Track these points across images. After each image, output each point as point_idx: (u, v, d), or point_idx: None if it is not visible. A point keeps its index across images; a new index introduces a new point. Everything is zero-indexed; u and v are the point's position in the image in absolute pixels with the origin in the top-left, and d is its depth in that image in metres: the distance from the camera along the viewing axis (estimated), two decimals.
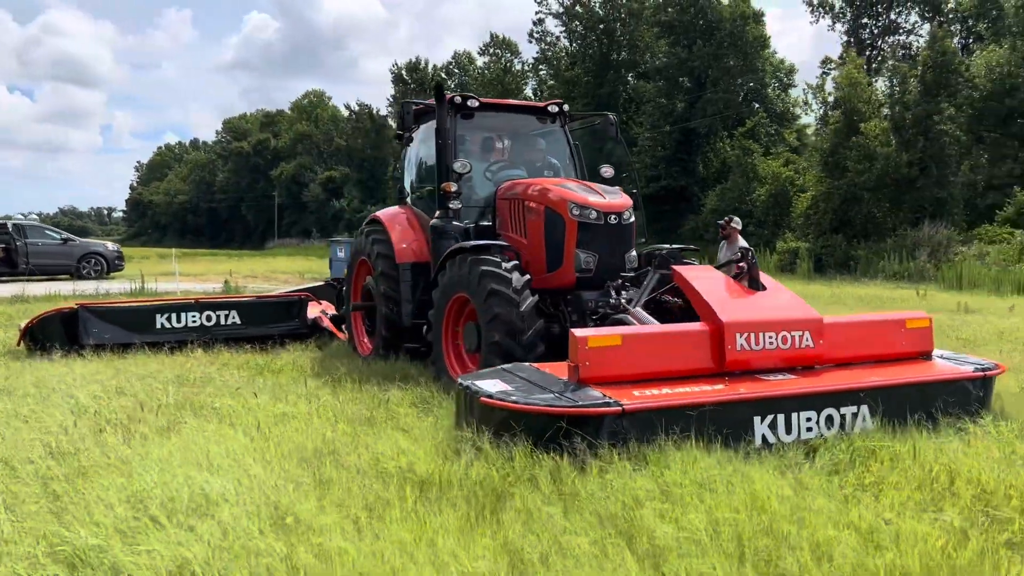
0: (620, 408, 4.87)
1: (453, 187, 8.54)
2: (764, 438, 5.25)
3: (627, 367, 5.41)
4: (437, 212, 8.72)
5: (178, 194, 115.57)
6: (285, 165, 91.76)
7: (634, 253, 7.97)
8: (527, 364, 5.94)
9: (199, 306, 10.57)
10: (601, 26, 49.57)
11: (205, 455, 4.56)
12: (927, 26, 47.09)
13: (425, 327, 9.11)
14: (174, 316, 10.39)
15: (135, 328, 10.18)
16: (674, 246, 8.03)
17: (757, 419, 5.26)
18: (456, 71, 69.16)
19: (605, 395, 5.05)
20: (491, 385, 5.40)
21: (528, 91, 60.76)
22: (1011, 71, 37.45)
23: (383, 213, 9.97)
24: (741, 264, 6.50)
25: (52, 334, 9.76)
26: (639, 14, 48.10)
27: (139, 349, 9.64)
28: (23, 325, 9.93)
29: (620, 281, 7.56)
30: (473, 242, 7.77)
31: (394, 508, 3.86)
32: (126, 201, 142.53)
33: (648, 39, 47.62)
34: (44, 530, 3.43)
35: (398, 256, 9.18)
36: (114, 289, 17.79)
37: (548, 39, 54.58)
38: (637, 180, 9.30)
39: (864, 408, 5.56)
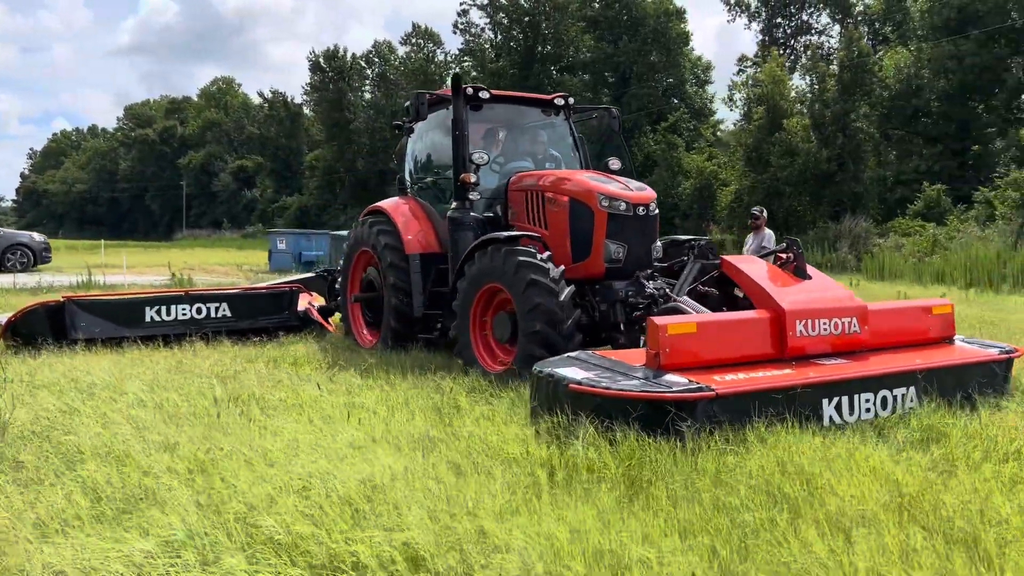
0: (713, 393, 5.07)
1: (473, 178, 8.60)
2: (831, 419, 5.55)
3: (700, 353, 5.63)
4: (454, 203, 8.75)
5: (76, 183, 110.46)
6: (193, 154, 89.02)
7: (659, 244, 8.21)
8: (590, 352, 6.08)
9: (189, 298, 10.29)
10: (527, 19, 49.86)
11: (327, 445, 4.54)
12: (837, 27, 49.30)
13: (440, 318, 9.18)
14: (164, 309, 10.08)
15: (124, 322, 9.83)
16: (699, 238, 8.33)
17: (825, 401, 5.56)
18: (376, 60, 68.30)
19: (691, 380, 5.25)
20: (572, 372, 5.52)
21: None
22: (917, 72, 39.66)
23: (386, 204, 9.93)
24: (782, 254, 6.80)
25: (37, 329, 9.34)
26: (564, 8, 48.59)
27: (132, 343, 9.31)
28: (4, 320, 9.46)
29: (650, 271, 7.78)
30: (506, 233, 7.84)
31: (545, 492, 3.95)
32: (17, 190, 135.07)
33: (573, 33, 48.18)
34: (228, 521, 3.38)
35: (407, 247, 9.17)
36: (57, 283, 16.97)
37: (473, 31, 54.62)
38: (634, 173, 9.51)
39: (912, 389, 5.94)
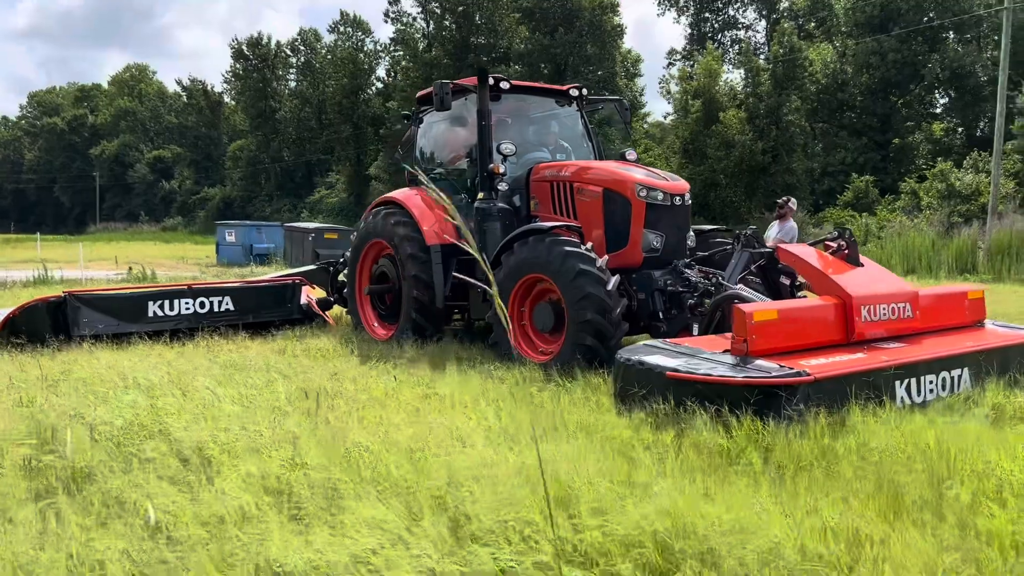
0: (811, 377, 5.24)
1: (502, 168, 8.61)
2: (902, 400, 5.80)
3: (780, 339, 5.79)
4: (481, 194, 8.73)
5: None
6: (106, 143, 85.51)
7: (692, 233, 8.38)
8: (664, 340, 6.18)
9: (192, 292, 9.97)
10: (460, 8, 49.53)
11: (464, 435, 4.52)
12: (763, 23, 50.73)
13: (464, 309, 9.19)
14: (167, 303, 9.76)
15: (127, 317, 9.48)
16: (720, 227, 8.54)
17: (898, 383, 5.80)
18: (302, 48, 66.95)
19: (782, 365, 5.40)
20: (662, 360, 5.63)
21: (381, 71, 60.04)
22: (841, 68, 41.19)
23: (398, 195, 9.80)
24: (830, 242, 7.04)
25: (38, 325, 8.93)
26: None
27: (140, 338, 9.00)
28: (3, 316, 9.00)
29: (688, 260, 7.95)
30: (549, 223, 7.88)
31: (701, 475, 4.03)
32: None
33: (508, 24, 48.14)
34: (428, 511, 3.35)
35: (427, 238, 9.09)
36: (9, 279, 16.15)
37: (404, 19, 54.01)
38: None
39: (966, 371, 6.25)
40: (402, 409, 5.56)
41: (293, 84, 68.36)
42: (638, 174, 8.15)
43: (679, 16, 52.66)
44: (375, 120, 57.06)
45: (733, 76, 43.09)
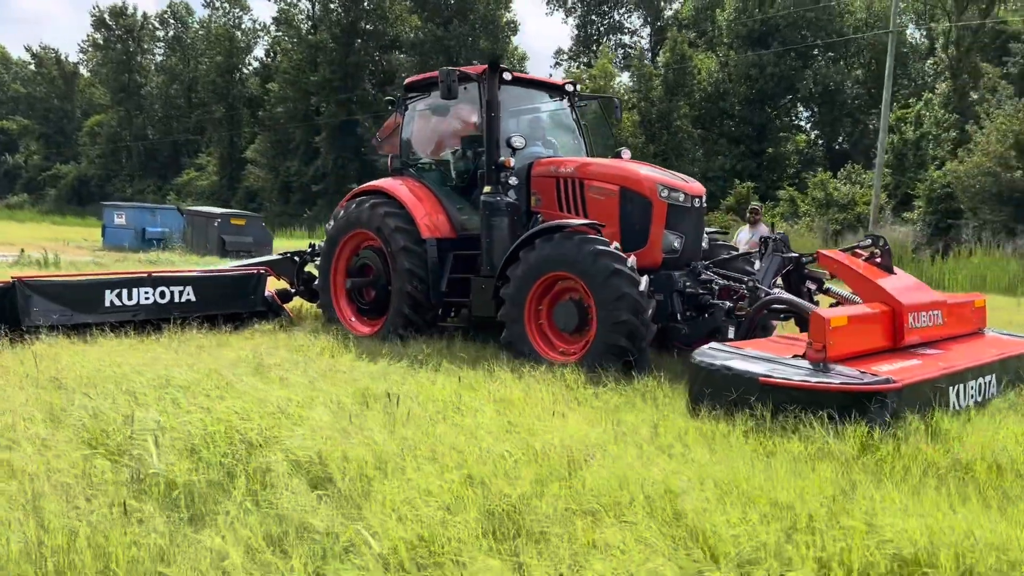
0: (899, 384, 5.32)
1: (512, 162, 8.36)
2: (953, 405, 6.00)
3: (848, 345, 5.87)
4: (487, 187, 8.43)
5: None
6: None
7: (706, 236, 8.40)
8: (729, 344, 6.14)
9: (152, 281, 9.15)
10: None
11: (615, 449, 4.29)
12: (648, 29, 52.14)
13: (462, 304, 8.87)
14: (125, 292, 8.90)
15: (82, 307, 8.57)
16: (721, 230, 8.59)
17: (951, 389, 6.00)
18: (172, 21, 63.31)
19: (863, 371, 5.47)
20: (748, 366, 5.58)
21: (259, 51, 57.64)
22: (723, 77, 42.91)
23: (384, 183, 9.35)
24: (861, 249, 7.18)
25: None
26: None
27: (100, 330, 8.18)
28: None
29: (707, 262, 7.97)
30: (577, 220, 7.68)
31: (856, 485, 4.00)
32: None
33: (399, 11, 47.30)
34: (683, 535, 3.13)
35: (422, 231, 8.72)
36: None
37: None
38: None
39: (994, 376, 6.55)
40: (480, 414, 5.25)
41: (161, 59, 64.59)
42: (656, 174, 8.10)
43: (567, 17, 53.31)
44: (252, 101, 54.78)
45: (622, 79, 43.94)
